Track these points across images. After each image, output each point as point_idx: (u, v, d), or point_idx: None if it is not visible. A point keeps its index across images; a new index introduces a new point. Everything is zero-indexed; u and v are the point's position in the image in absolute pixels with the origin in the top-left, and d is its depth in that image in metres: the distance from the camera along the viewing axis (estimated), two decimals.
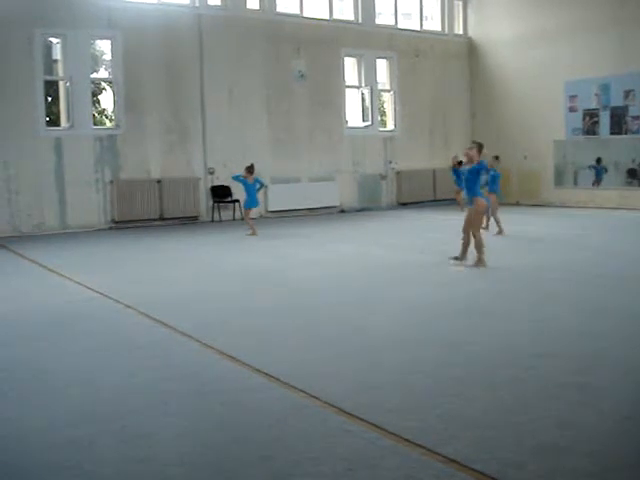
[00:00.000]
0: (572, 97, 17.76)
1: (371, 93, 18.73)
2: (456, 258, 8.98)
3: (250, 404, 4.03)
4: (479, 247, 8.66)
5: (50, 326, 6.15)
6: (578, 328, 5.59)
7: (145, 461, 3.30)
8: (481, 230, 8.98)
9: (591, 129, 17.46)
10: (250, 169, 13.13)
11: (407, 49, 19.24)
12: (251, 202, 13.18)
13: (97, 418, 3.87)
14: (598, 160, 17.32)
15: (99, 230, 14.68)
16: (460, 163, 13.25)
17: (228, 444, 3.47)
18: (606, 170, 17.21)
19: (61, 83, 15.21)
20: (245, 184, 13.14)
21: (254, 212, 13.53)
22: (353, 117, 18.82)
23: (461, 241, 8.95)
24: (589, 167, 17.51)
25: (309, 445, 3.41)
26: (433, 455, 3.24)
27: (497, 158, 12.49)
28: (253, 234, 12.85)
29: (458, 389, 4.17)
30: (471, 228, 8.76)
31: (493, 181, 12.04)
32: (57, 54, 15.71)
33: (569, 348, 5.03)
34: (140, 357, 5.07)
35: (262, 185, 13.50)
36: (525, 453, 3.24)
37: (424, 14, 19.98)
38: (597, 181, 17.45)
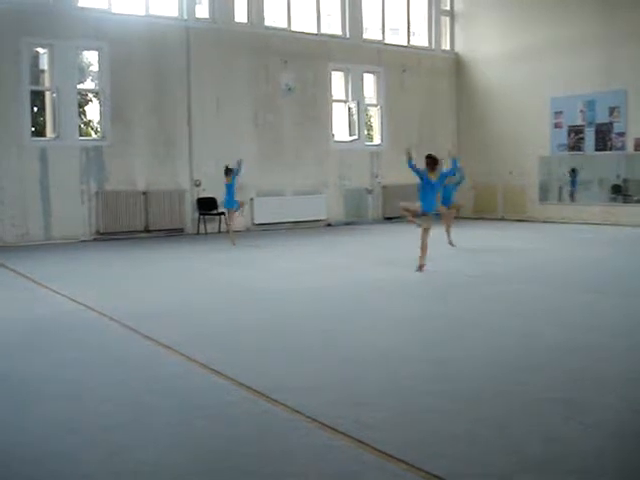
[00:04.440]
0: (557, 113, 17.90)
1: (358, 107, 18.80)
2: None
3: (233, 418, 3.99)
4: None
5: (33, 338, 6.09)
6: (564, 343, 5.60)
7: (128, 475, 3.26)
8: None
9: (576, 145, 17.59)
10: (226, 172, 13.49)
11: (394, 64, 19.34)
12: (227, 202, 13.53)
13: (80, 431, 3.82)
14: (573, 170, 17.52)
15: (84, 241, 14.61)
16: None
17: (211, 458, 3.44)
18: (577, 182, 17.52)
19: (47, 93, 15.17)
20: (225, 186, 13.51)
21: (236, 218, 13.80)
22: (340, 131, 18.86)
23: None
24: (567, 172, 17.70)
25: (292, 460, 3.39)
26: (417, 471, 3.21)
27: None
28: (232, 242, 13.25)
29: (442, 404, 4.15)
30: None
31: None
32: (44, 64, 15.67)
33: (555, 363, 5.03)
34: (123, 370, 5.02)
35: (239, 170, 13.70)
36: (510, 468, 3.23)
37: (411, 29, 20.11)
38: (572, 192, 17.66)
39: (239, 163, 13.64)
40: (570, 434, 3.64)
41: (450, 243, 12.24)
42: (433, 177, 9.55)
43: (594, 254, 11.73)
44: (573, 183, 17.66)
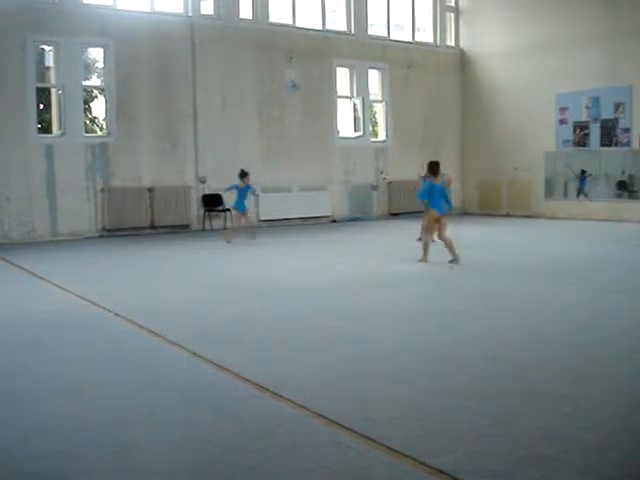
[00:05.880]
0: (563, 109, 17.87)
1: (363, 103, 18.79)
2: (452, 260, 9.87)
3: (238, 414, 4.01)
4: (450, 245, 9.90)
5: (38, 334, 6.11)
6: (565, 339, 5.61)
7: (133, 471, 3.28)
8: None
9: (581, 141, 17.56)
10: (241, 175, 13.44)
11: (399, 60, 19.33)
12: (237, 205, 13.47)
13: (85, 427, 3.84)
14: (583, 172, 17.46)
15: (90, 238, 14.64)
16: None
17: (216, 454, 3.46)
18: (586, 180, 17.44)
19: (53, 90, 15.20)
20: (238, 189, 13.45)
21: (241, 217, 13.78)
22: (345, 127, 18.86)
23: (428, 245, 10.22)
24: (576, 176, 17.64)
25: (298, 455, 3.40)
26: (421, 466, 3.23)
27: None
28: (228, 238, 13.25)
29: (446, 400, 4.17)
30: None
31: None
32: (50, 61, 15.69)
33: (558, 359, 5.04)
34: (128, 366, 5.05)
35: (252, 192, 13.71)
36: (514, 464, 3.24)
37: (416, 26, 20.09)
38: (581, 191, 17.59)
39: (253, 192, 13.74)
40: (573, 430, 3.65)
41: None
42: (437, 181, 10.20)
43: (597, 250, 11.72)
44: (582, 182, 17.51)
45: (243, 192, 13.40)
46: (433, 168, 10.25)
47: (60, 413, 4.09)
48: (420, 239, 10.98)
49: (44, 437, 3.70)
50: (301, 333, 6.03)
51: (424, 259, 10.04)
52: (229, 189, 13.70)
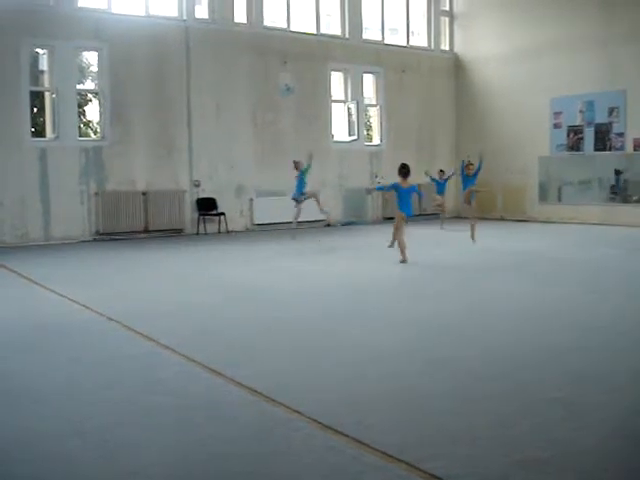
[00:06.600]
0: (557, 113, 17.92)
1: (357, 107, 18.80)
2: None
3: (233, 418, 4.00)
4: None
5: (32, 338, 6.09)
6: (562, 342, 5.61)
7: (128, 475, 3.27)
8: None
9: (575, 145, 17.60)
10: (295, 166, 14.41)
11: (394, 64, 19.36)
12: (295, 193, 14.33)
13: (80, 431, 3.82)
14: (617, 171, 17.05)
15: (83, 242, 14.61)
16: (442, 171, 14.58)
17: (210, 458, 3.44)
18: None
19: (47, 94, 15.17)
20: (297, 180, 14.34)
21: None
22: (339, 131, 18.87)
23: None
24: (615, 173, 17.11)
25: (291, 460, 3.39)
26: (416, 471, 3.22)
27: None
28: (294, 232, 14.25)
29: (441, 404, 4.16)
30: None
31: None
32: (44, 65, 15.66)
33: (554, 363, 5.04)
34: (123, 370, 5.03)
35: (307, 169, 14.43)
36: (510, 468, 3.24)
37: (411, 30, 20.14)
38: (615, 192, 17.09)
39: (310, 157, 14.39)
40: (570, 434, 3.65)
41: (472, 237, 12.82)
42: (405, 185, 10.62)
43: (593, 254, 11.74)
44: (617, 182, 17.22)
45: (299, 178, 14.15)
46: (401, 171, 10.67)
47: (55, 417, 4.07)
48: (390, 245, 11.46)
49: (40, 440, 3.68)
50: (296, 337, 6.02)
51: (404, 259, 10.33)
52: (299, 190, 14.25)
